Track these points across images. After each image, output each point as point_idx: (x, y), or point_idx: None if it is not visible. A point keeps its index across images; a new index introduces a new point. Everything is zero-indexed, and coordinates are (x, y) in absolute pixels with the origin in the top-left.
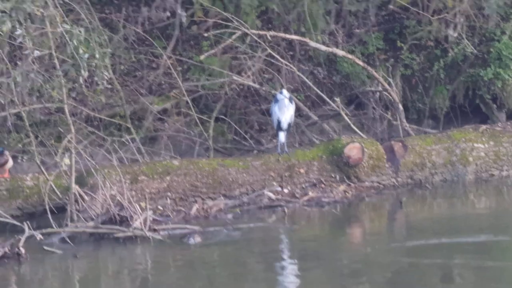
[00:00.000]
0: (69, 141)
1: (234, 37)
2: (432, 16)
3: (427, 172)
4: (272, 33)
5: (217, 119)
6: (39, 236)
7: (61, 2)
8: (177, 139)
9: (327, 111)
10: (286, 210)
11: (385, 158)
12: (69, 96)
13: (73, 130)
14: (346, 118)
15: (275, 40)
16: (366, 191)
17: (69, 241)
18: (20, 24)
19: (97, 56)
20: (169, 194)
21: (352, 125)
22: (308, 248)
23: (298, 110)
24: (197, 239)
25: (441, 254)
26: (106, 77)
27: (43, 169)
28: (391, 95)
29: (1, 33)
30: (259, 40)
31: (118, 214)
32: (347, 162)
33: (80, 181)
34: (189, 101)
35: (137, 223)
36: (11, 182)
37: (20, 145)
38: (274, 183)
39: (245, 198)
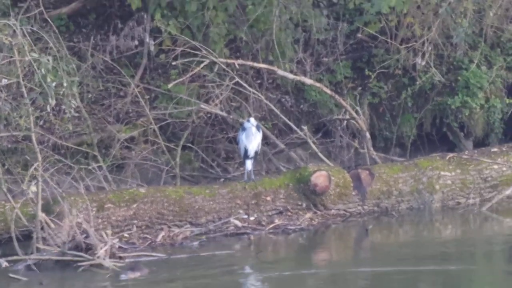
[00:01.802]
0: (35, 169)
1: (202, 65)
2: (401, 44)
3: (393, 200)
4: (240, 61)
5: (184, 147)
6: (4, 263)
7: (30, 30)
8: (144, 167)
9: (294, 139)
10: (252, 237)
11: (351, 186)
12: (37, 124)
13: (40, 158)
14: (313, 146)
15: (243, 69)
16: (332, 218)
17: (35, 268)
18: None
19: (65, 84)
20: (135, 221)
21: (319, 153)
22: (273, 276)
23: (265, 138)
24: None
25: (405, 281)
26: (73, 105)
27: (9, 196)
28: (358, 123)
29: None
30: (227, 69)
31: (84, 242)
32: (313, 190)
33: (47, 209)
34: (156, 129)
35: (102, 251)
36: None
37: None
38: (241, 211)
39: (212, 226)
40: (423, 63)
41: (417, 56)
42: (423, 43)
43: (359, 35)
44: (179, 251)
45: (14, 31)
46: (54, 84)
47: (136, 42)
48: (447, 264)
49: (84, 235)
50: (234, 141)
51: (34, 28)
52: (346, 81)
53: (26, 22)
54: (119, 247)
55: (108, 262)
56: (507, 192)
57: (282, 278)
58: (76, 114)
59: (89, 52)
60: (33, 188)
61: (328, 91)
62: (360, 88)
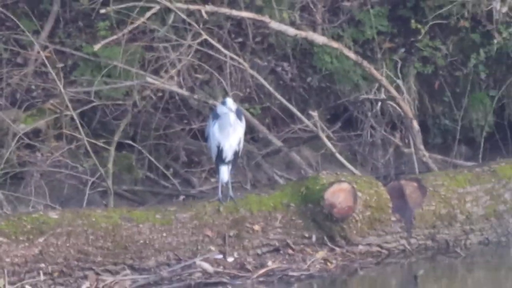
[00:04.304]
0: None
1: (148, 14)
2: None
3: (458, 230)
4: (210, 8)
5: (121, 146)
6: None
7: None
8: (57, 177)
9: (297, 132)
10: None
11: (390, 208)
12: None
13: None
14: (327, 143)
15: (214, 20)
16: (360, 259)
17: None
18: None
19: None
20: (43, 265)
21: (337, 155)
22: None
23: (251, 132)
24: None
25: None
26: None
27: None
28: (400, 107)
29: None
30: (189, 20)
31: None
32: (329, 213)
33: None
34: (75, 117)
35: None
36: None
37: None
38: (212, 248)
39: (165, 272)
40: (505, 9)
41: None
42: None
43: None
44: None
45: None
46: None
47: None
48: None
49: None
50: (201, 135)
51: None
52: (381, 40)
53: None
54: None
55: None
56: None
57: None
58: None
59: None
60: None
61: (352, 56)
62: (403, 51)
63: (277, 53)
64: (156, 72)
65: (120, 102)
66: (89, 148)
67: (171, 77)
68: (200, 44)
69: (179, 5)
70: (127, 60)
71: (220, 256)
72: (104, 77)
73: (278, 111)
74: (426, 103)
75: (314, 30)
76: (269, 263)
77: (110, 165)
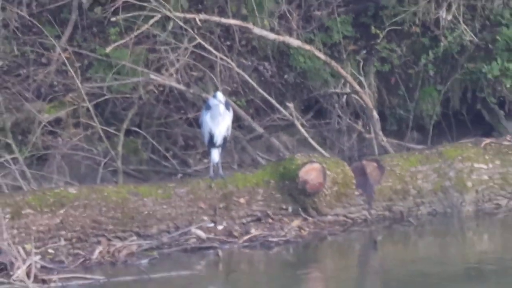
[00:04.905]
0: None
1: (151, 22)
2: None
3: (410, 202)
4: (203, 16)
5: (129, 133)
6: None
7: None
8: (75, 159)
9: (276, 120)
10: (220, 253)
11: (354, 184)
12: None
13: None
14: (301, 129)
15: (207, 26)
16: (328, 227)
17: None
18: None
19: None
20: (63, 233)
21: (309, 139)
22: None
23: (237, 120)
24: None
25: None
26: None
27: None
28: (362, 99)
29: None
30: (185, 27)
31: None
32: (303, 188)
33: None
34: (90, 108)
35: (19, 271)
36: None
37: None
38: (205, 218)
39: (166, 238)
40: (449, 17)
41: (441, 8)
42: None
43: None
44: (122, 272)
45: None
46: None
47: None
48: (483, 286)
49: None
50: (196, 123)
51: None
52: (346, 43)
53: None
54: (42, 266)
55: (30, 285)
56: None
57: None
58: None
59: None
60: None
61: (322, 56)
62: (364, 52)
63: (259, 54)
64: (158, 70)
65: (128, 95)
66: (102, 134)
67: (171, 74)
68: (195, 46)
69: (177, 14)
70: (133, 60)
71: (212, 225)
72: (115, 75)
73: (260, 103)
74: (384, 96)
75: (290, 35)
76: (253, 230)
77: (119, 148)
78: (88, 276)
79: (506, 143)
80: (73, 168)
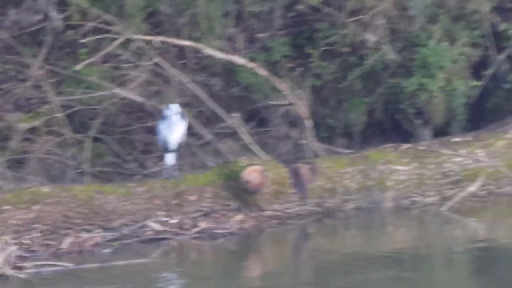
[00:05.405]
0: None
1: (116, 43)
2: (348, 18)
3: (338, 199)
4: (160, 38)
5: (95, 139)
6: None
7: None
8: (48, 162)
9: (223, 128)
10: (173, 243)
11: (290, 183)
12: None
13: None
14: (245, 136)
15: (164, 47)
16: (267, 221)
17: None
18: None
19: None
20: (37, 226)
21: (252, 145)
22: None
23: (190, 128)
24: None
25: None
26: None
27: None
28: (298, 110)
29: None
30: (145, 47)
31: None
32: (245, 188)
33: None
34: (62, 118)
35: (1, 260)
36: None
37: None
38: (160, 213)
39: (126, 230)
40: (375, 39)
41: (367, 30)
42: (375, 16)
43: (299, 6)
44: (88, 260)
45: None
46: None
47: (40, 16)
48: (400, 272)
49: None
50: (153, 131)
51: None
52: (285, 61)
53: None
54: (19, 255)
55: (10, 272)
56: (471, 189)
57: None
58: None
59: None
60: None
61: (264, 73)
62: (301, 69)
63: (209, 71)
64: (121, 85)
65: (95, 107)
66: (72, 141)
67: (132, 89)
68: (154, 64)
69: (138, 36)
70: (100, 76)
71: (166, 219)
72: (84, 89)
73: (210, 113)
74: (317, 107)
75: (237, 54)
76: (201, 223)
77: (87, 153)
78: (58, 263)
79: (422, 148)
80: (47, 170)
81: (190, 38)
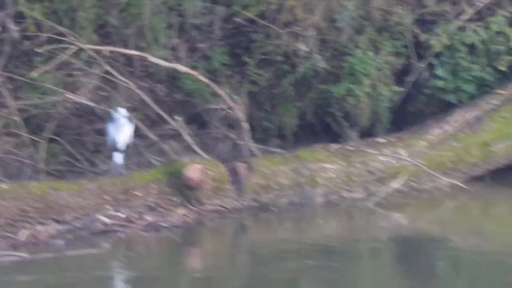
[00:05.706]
0: None
1: (69, 52)
2: (282, 29)
3: (273, 195)
4: (109, 48)
5: (50, 140)
6: None
7: None
8: (6, 161)
9: (167, 130)
10: (121, 235)
11: (228, 180)
12: None
13: None
14: (187, 138)
15: (113, 56)
16: (208, 215)
17: None
18: None
19: None
20: None
21: (193, 146)
22: (143, 277)
23: (137, 130)
24: None
25: (286, 279)
26: None
27: None
28: (236, 114)
29: None
30: (96, 56)
31: None
32: (187, 184)
33: None
34: (20, 121)
35: None
36: None
37: None
38: (109, 207)
39: (78, 223)
40: (306, 49)
41: (299, 41)
42: (306, 28)
43: (236, 19)
44: (43, 250)
45: None
46: None
47: None
48: (330, 261)
49: None
50: (103, 132)
51: None
52: (224, 69)
53: None
54: None
55: None
56: (394, 185)
57: (153, 279)
58: None
59: None
60: None
61: (204, 79)
62: (238, 76)
63: (154, 78)
64: (74, 90)
65: (50, 110)
66: (28, 142)
67: (84, 94)
68: (103, 72)
69: (89, 46)
70: (54, 83)
71: (115, 213)
72: (39, 94)
73: (155, 117)
74: (253, 111)
75: (179, 62)
76: (147, 217)
77: (41, 152)
78: (16, 253)
79: (349, 148)
80: (5, 169)
81: (136, 48)
